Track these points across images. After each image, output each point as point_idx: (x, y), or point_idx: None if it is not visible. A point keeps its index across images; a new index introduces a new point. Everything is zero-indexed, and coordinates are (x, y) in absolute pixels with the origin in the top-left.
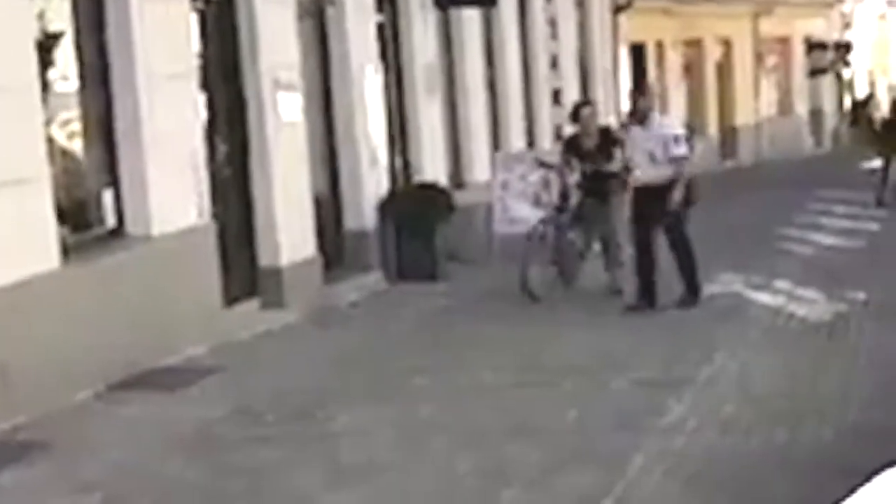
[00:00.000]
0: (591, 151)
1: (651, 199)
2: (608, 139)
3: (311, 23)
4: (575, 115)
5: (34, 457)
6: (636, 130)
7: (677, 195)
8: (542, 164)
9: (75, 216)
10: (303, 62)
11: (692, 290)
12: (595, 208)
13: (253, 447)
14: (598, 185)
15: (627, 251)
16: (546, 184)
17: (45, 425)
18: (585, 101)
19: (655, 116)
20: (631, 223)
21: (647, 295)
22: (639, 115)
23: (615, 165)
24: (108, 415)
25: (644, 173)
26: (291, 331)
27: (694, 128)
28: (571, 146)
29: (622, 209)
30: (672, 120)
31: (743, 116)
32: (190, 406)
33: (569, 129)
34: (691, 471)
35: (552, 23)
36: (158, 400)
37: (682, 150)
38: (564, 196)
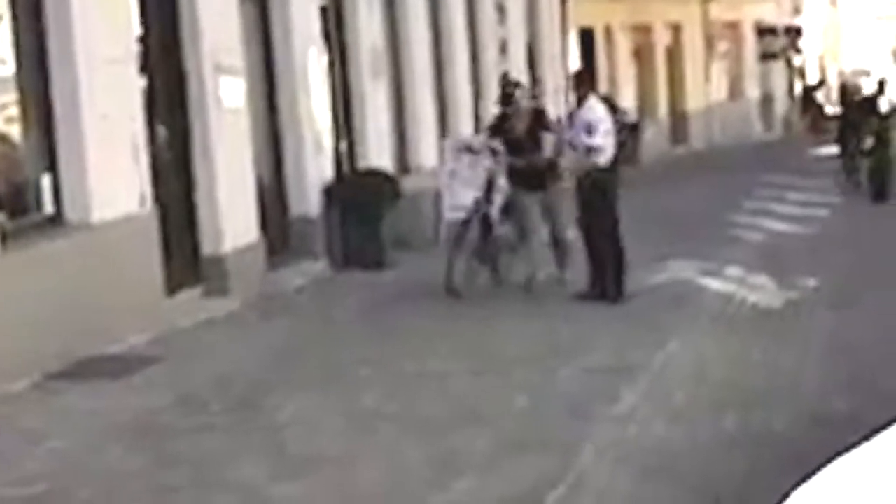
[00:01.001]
0: (519, 137)
1: (586, 187)
2: (539, 123)
3: (253, 5)
4: (504, 97)
5: None
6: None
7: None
8: (468, 150)
9: (13, 202)
10: (245, 46)
11: (603, 284)
12: (527, 200)
13: (196, 437)
14: (529, 175)
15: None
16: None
17: None
18: (515, 81)
19: (589, 102)
20: (578, 211)
21: (599, 284)
22: (578, 101)
23: (543, 154)
24: (46, 404)
25: (568, 160)
26: (234, 319)
27: (623, 111)
28: (499, 130)
29: (560, 199)
30: (597, 106)
31: (693, 101)
32: (131, 395)
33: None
34: (642, 458)
35: (500, 7)
36: (99, 389)
37: (592, 140)
38: (490, 185)
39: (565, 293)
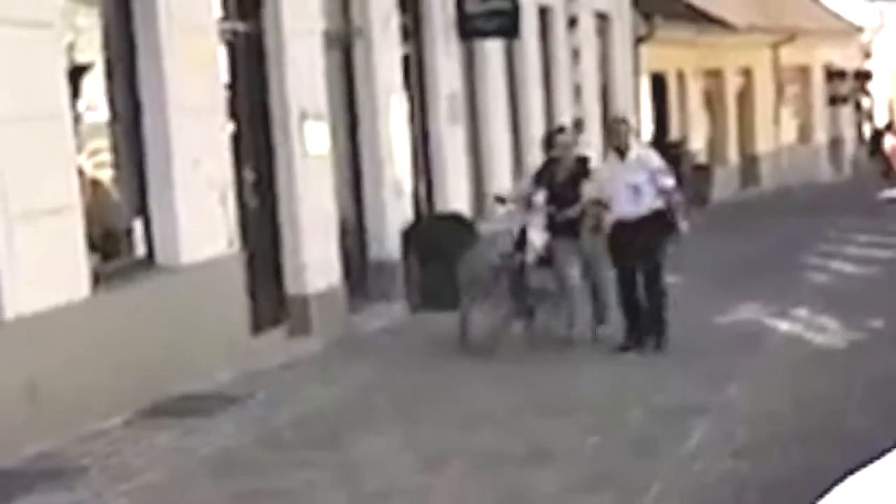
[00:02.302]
0: (561, 185)
1: (630, 236)
2: (583, 171)
3: (338, 54)
4: (549, 143)
5: (66, 481)
6: (614, 163)
7: (684, 225)
8: (498, 200)
9: (105, 245)
10: (329, 93)
11: (661, 335)
12: (564, 248)
13: (278, 472)
14: (566, 223)
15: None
16: None
17: (76, 450)
18: (560, 127)
19: (634, 150)
20: (613, 262)
21: (636, 335)
22: (620, 148)
23: (579, 204)
24: (136, 441)
25: (621, 208)
26: (316, 359)
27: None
28: (543, 176)
29: (599, 249)
30: (652, 153)
31: (763, 144)
32: (218, 432)
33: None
34: (706, 495)
35: (574, 53)
36: (187, 426)
37: (671, 181)
38: (524, 233)
39: (606, 348)
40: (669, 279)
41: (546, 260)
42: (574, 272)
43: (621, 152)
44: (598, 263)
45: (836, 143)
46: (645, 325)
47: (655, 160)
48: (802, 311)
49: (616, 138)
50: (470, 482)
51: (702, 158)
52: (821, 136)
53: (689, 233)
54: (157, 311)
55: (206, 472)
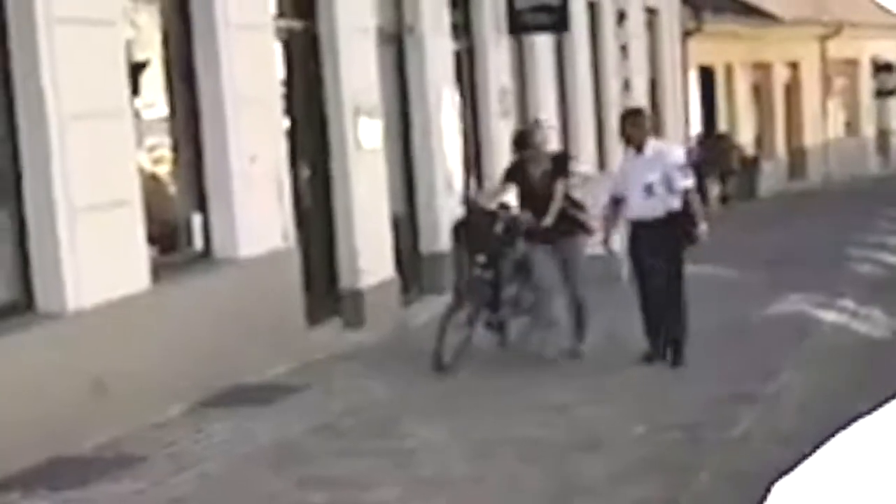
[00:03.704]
0: (538, 183)
1: (645, 239)
2: (561, 168)
3: (391, 50)
4: (522, 139)
5: (131, 469)
6: (630, 159)
7: (703, 227)
8: (471, 203)
9: (164, 239)
10: (382, 88)
11: (680, 346)
12: (540, 255)
13: (334, 461)
14: (544, 229)
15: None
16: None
17: (140, 439)
18: (536, 121)
19: (651, 144)
20: (630, 261)
21: (657, 341)
22: (635, 143)
23: (553, 210)
24: (196, 429)
25: (635, 209)
26: (370, 351)
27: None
28: (515, 176)
29: (579, 254)
30: (673, 147)
31: (811, 137)
32: (275, 422)
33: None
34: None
35: (623, 47)
36: (246, 416)
37: (686, 181)
38: (505, 237)
39: (582, 364)
40: (718, 271)
41: (522, 267)
42: (553, 281)
43: (638, 147)
44: (576, 271)
45: (883, 136)
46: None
47: (673, 156)
48: (849, 302)
49: (632, 131)
50: (519, 468)
51: (749, 151)
52: (868, 129)
53: (708, 237)
54: (215, 304)
55: (265, 461)
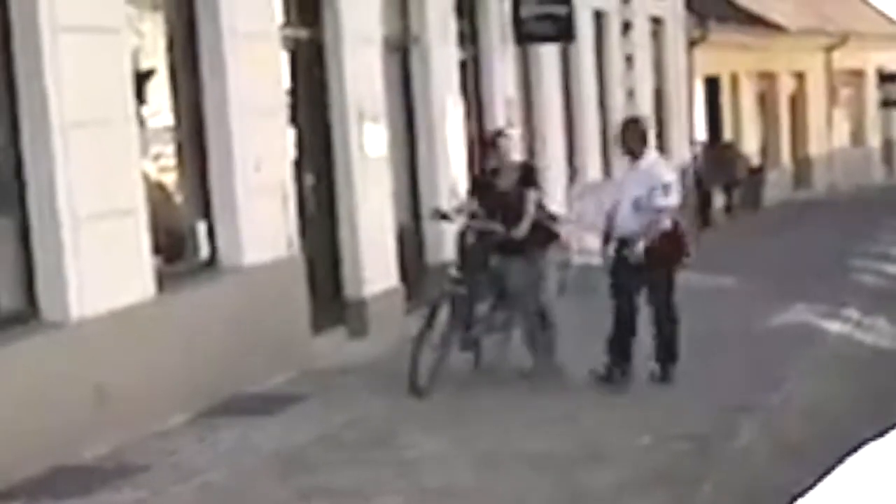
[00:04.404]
0: (506, 194)
1: (654, 256)
2: (527, 180)
3: (396, 59)
4: (484, 150)
5: (131, 479)
6: (625, 170)
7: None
8: (438, 215)
9: (169, 247)
10: (387, 97)
11: (667, 365)
12: (511, 268)
13: (336, 471)
14: (516, 241)
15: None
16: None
17: (142, 448)
18: (499, 131)
19: (647, 157)
20: (610, 281)
21: (621, 364)
22: (631, 153)
23: (526, 220)
24: (200, 439)
25: (622, 225)
26: (373, 360)
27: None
28: (479, 186)
29: (548, 267)
30: (663, 164)
31: (816, 147)
32: (278, 431)
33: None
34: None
35: (628, 57)
36: (249, 425)
37: (667, 200)
38: (477, 249)
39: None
40: (722, 280)
41: (496, 282)
42: (531, 296)
43: (634, 157)
44: (546, 286)
45: (888, 146)
46: (656, 352)
47: (662, 173)
48: (853, 312)
49: (627, 141)
50: (524, 479)
51: (755, 161)
52: (873, 139)
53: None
54: (220, 313)
55: (268, 470)
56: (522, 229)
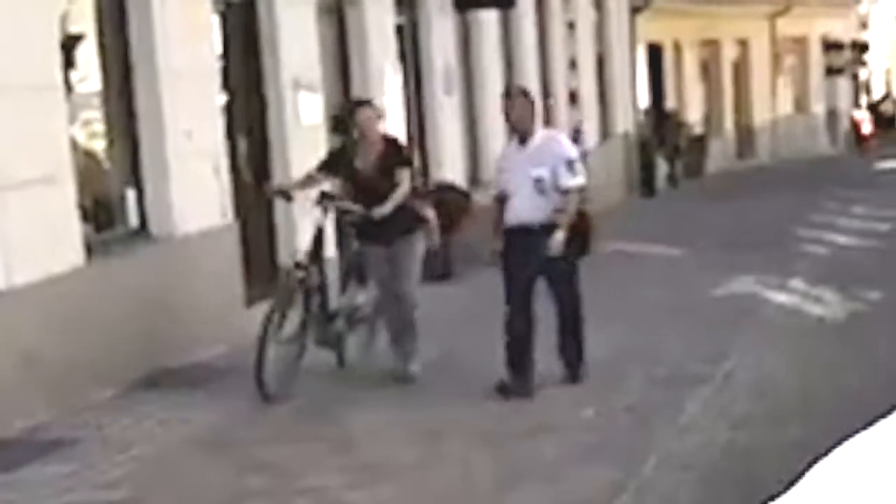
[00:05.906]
0: (369, 173)
1: (529, 244)
2: (394, 156)
3: (331, 21)
4: (338, 125)
5: (60, 453)
6: (513, 150)
7: (559, 236)
8: (279, 194)
9: (98, 215)
10: (322, 63)
11: (575, 362)
12: (373, 256)
13: (271, 445)
14: (373, 224)
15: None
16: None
17: (69, 422)
18: (361, 100)
19: (539, 134)
20: (504, 275)
21: (521, 372)
22: (519, 131)
23: (393, 201)
24: (129, 412)
25: (520, 210)
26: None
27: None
28: (337, 164)
29: (412, 257)
30: (562, 138)
31: (759, 116)
32: (211, 404)
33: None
34: (703, 466)
35: (570, 24)
36: (180, 398)
37: (575, 179)
38: (320, 238)
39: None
40: (665, 251)
41: (356, 269)
42: (388, 286)
43: (523, 136)
44: (409, 276)
45: (832, 115)
46: (560, 347)
47: (562, 148)
48: (799, 283)
49: (514, 116)
50: (467, 454)
51: (698, 129)
52: (818, 108)
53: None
54: (150, 282)
55: (198, 444)
56: (380, 211)
